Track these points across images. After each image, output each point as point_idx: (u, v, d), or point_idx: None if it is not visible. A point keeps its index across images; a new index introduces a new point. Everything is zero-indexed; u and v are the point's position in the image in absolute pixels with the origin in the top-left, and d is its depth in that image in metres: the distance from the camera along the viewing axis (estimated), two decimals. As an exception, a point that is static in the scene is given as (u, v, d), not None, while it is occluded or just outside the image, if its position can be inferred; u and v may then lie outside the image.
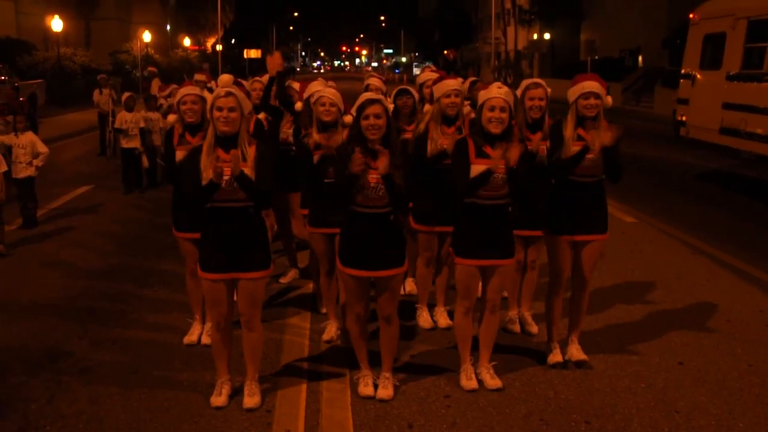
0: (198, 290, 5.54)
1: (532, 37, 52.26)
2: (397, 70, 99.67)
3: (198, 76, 13.19)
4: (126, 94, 12.97)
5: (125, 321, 6.33)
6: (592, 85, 4.91)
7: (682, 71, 13.64)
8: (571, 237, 5.14)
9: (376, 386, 4.87)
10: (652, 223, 10.13)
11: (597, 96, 4.89)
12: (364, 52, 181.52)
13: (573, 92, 4.97)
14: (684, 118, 13.39)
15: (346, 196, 4.52)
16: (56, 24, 29.43)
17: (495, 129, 4.60)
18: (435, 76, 6.66)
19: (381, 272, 4.66)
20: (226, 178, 4.33)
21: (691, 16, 13.31)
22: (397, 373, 5.10)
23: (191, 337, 5.77)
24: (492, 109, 4.60)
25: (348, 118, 5.00)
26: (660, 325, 6.25)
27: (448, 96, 5.47)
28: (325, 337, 5.80)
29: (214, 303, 4.64)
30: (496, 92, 4.62)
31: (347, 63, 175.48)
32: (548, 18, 49.06)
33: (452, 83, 5.51)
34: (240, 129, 4.44)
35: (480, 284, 4.98)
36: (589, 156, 4.91)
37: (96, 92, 16.82)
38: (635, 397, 4.93)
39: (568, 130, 4.96)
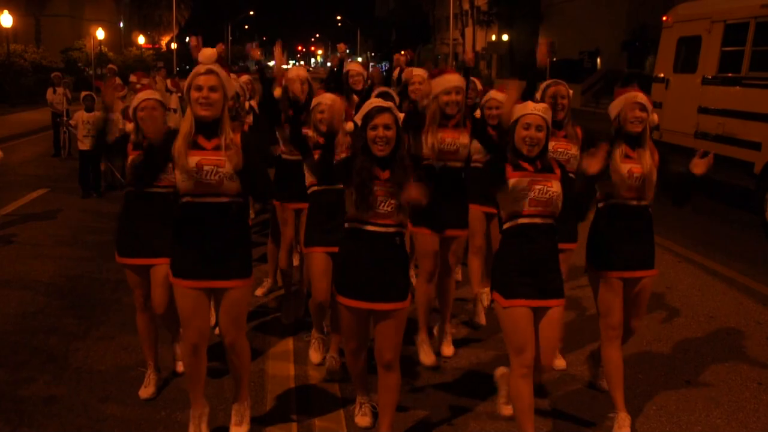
0: (151, 331, 4.90)
1: (491, 38, 52.30)
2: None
3: (131, 77, 12.66)
4: (83, 93, 12.35)
5: (91, 341, 5.81)
6: (635, 95, 4.39)
7: (655, 74, 13.50)
8: (620, 273, 4.45)
9: (375, 415, 4.43)
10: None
11: (642, 107, 4.36)
12: (320, 52, 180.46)
13: (614, 106, 4.45)
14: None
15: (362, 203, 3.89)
16: (5, 19, 28.31)
17: (529, 152, 3.98)
18: (422, 72, 6.28)
19: (381, 305, 3.97)
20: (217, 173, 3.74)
21: (664, 18, 13.15)
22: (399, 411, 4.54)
23: (148, 390, 4.87)
24: (527, 127, 3.97)
25: (350, 125, 4.58)
26: (659, 341, 5.99)
27: (449, 93, 4.90)
28: (313, 358, 5.39)
29: (189, 316, 3.95)
30: (533, 108, 4.03)
31: (302, 62, 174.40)
32: (506, 19, 49.12)
33: (454, 79, 4.91)
34: (223, 113, 3.82)
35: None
36: (635, 171, 4.36)
37: (50, 91, 16.06)
38: (649, 421, 4.63)
39: (616, 151, 4.37)
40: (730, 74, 11.12)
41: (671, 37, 12.88)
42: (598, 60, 39.44)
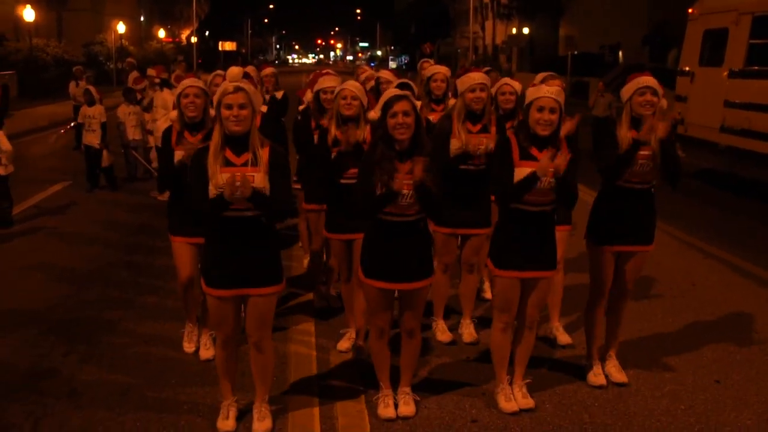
0: (193, 300, 5.24)
1: (511, 31, 51.92)
2: (372, 64, 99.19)
3: (149, 71, 12.58)
4: (83, 88, 12.28)
5: (114, 333, 5.82)
6: (648, 80, 4.52)
7: (680, 68, 13.33)
8: (616, 247, 4.77)
9: (396, 406, 4.47)
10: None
11: (654, 92, 4.49)
12: (339, 45, 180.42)
13: (627, 90, 4.57)
14: (682, 116, 13.09)
15: (380, 209, 4.11)
16: (28, 14, 28.44)
17: (543, 131, 4.18)
18: (444, 68, 6.28)
19: (408, 285, 4.28)
20: (238, 195, 3.79)
21: (690, 11, 12.98)
22: (416, 392, 4.64)
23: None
24: (541, 109, 4.17)
25: (373, 114, 4.59)
26: (686, 338, 5.88)
27: (473, 90, 5.09)
28: (341, 346, 5.43)
29: (220, 322, 4.20)
30: (546, 91, 4.19)
31: (322, 56, 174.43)
32: (527, 12, 48.78)
33: (478, 76, 5.12)
34: (251, 128, 3.96)
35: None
36: (642, 157, 4.51)
37: (72, 84, 16.18)
38: (676, 420, 4.55)
39: (623, 129, 4.55)
40: (758, 67, 10.94)
41: (697, 30, 12.70)
42: (620, 54, 39.06)
